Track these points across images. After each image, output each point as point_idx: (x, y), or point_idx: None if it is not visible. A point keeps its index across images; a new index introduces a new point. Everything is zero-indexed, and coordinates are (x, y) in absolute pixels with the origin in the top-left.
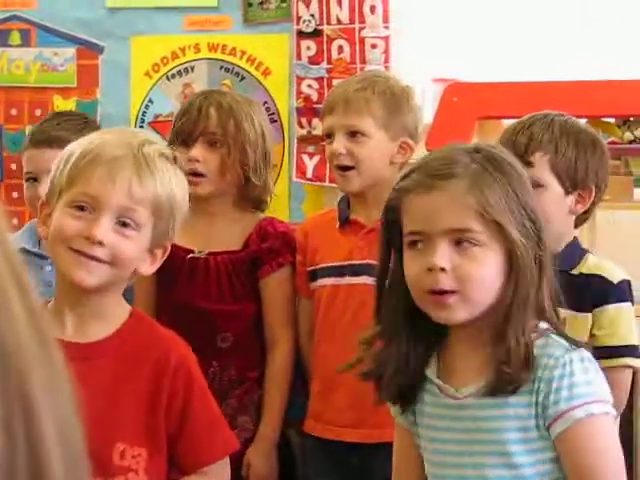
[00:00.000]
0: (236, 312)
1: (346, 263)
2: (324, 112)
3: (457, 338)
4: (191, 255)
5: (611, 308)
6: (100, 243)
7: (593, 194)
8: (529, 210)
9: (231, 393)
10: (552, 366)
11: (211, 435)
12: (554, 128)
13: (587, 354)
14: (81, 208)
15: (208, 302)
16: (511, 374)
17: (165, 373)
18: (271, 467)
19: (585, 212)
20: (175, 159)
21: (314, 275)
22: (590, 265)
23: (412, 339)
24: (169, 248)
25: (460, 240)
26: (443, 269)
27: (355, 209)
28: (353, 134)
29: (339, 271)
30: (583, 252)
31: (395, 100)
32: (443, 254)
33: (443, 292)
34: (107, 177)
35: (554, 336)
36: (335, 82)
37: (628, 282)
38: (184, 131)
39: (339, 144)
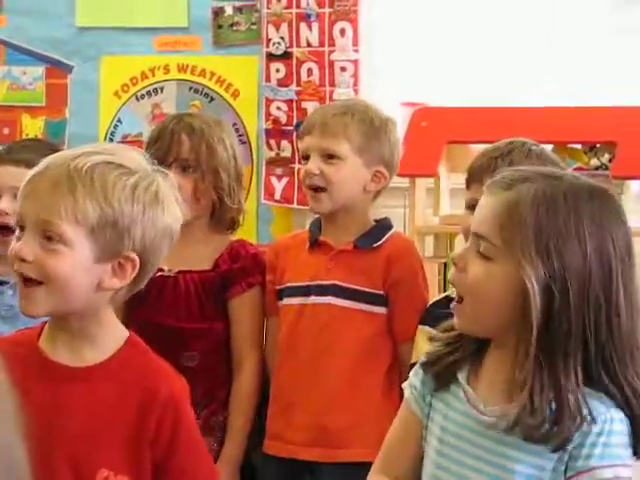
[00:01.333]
0: (203, 331)
1: (313, 283)
2: (302, 133)
3: (491, 351)
4: (160, 273)
5: None
6: (23, 260)
7: None
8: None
9: (197, 414)
10: (591, 420)
11: (196, 470)
12: (532, 157)
13: (624, 416)
14: (21, 229)
15: (175, 320)
16: (532, 427)
17: (153, 406)
18: None
19: None
20: (133, 170)
21: (281, 294)
22: None
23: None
24: (137, 259)
25: (479, 244)
26: (455, 263)
27: (325, 231)
28: (328, 157)
29: (305, 291)
30: None
31: (374, 128)
32: (461, 249)
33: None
34: (27, 193)
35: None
36: (304, 104)
37: None
38: (157, 158)
39: (313, 165)
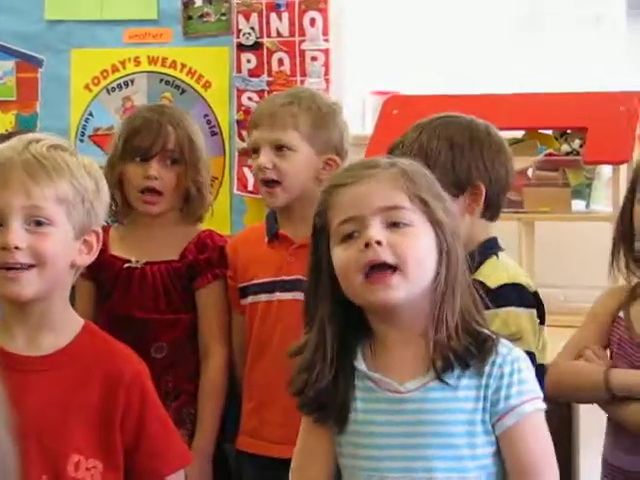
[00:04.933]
0: (171, 322)
1: (277, 279)
2: (250, 127)
3: (390, 328)
4: (127, 265)
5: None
6: (17, 248)
7: (483, 190)
8: (446, 201)
9: (167, 405)
10: (501, 363)
11: (166, 449)
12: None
13: (522, 351)
14: None
15: (143, 311)
16: (458, 351)
17: (118, 388)
18: None
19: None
20: (71, 149)
21: (245, 291)
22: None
23: (334, 336)
24: (101, 233)
25: (393, 222)
26: (379, 242)
27: (282, 224)
28: (279, 148)
29: (269, 287)
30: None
31: (321, 115)
32: (378, 230)
33: (383, 266)
34: (0, 185)
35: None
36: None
37: (512, 286)
38: (141, 147)
39: (265, 158)
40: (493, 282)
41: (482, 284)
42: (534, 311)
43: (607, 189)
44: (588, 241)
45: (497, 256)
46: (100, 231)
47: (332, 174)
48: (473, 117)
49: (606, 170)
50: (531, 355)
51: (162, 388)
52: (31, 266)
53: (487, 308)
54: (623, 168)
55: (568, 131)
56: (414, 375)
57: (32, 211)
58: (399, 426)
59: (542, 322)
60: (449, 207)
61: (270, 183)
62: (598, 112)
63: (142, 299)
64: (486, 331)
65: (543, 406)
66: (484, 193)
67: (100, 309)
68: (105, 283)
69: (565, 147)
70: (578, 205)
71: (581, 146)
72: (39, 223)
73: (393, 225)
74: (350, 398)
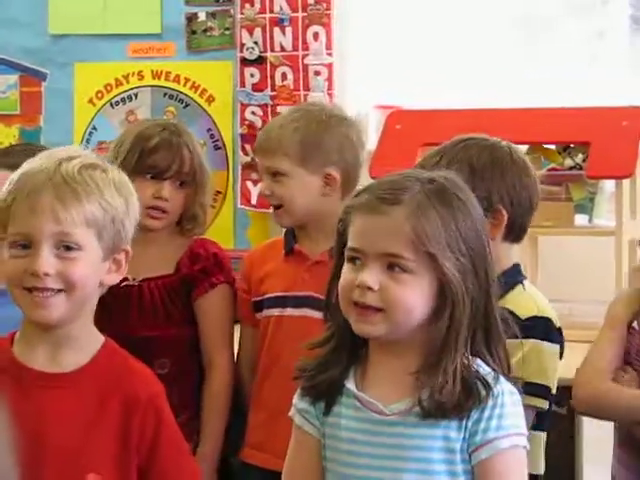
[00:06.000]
0: (172, 337)
1: (289, 294)
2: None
3: (382, 351)
4: (125, 283)
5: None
6: (46, 274)
7: (505, 215)
8: (469, 246)
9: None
10: (485, 395)
11: (179, 471)
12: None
13: (513, 387)
14: (23, 246)
15: (144, 329)
16: (445, 404)
17: (135, 410)
18: None
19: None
20: (103, 165)
21: (260, 305)
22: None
23: (341, 349)
24: (130, 251)
25: (392, 264)
26: (370, 288)
27: (300, 239)
28: (274, 174)
29: (281, 302)
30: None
31: (310, 133)
32: (373, 274)
33: (368, 307)
34: (29, 211)
35: (482, 363)
36: (279, 109)
37: (541, 319)
38: (157, 167)
39: (264, 185)
40: (522, 312)
41: (512, 313)
42: (558, 347)
43: (610, 204)
44: (591, 255)
45: (523, 285)
46: (129, 249)
47: (362, 186)
48: (496, 139)
49: (609, 185)
50: (546, 389)
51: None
52: (60, 290)
53: (515, 336)
54: (626, 183)
55: (571, 146)
56: (400, 397)
57: (62, 237)
58: (380, 448)
59: (560, 358)
60: (470, 251)
61: (275, 207)
62: (601, 127)
63: (142, 317)
64: (488, 377)
65: (523, 443)
66: (506, 218)
67: (100, 329)
68: (103, 303)
69: (568, 162)
70: (581, 219)
71: (584, 160)
72: (68, 248)
73: (391, 268)
74: (336, 411)
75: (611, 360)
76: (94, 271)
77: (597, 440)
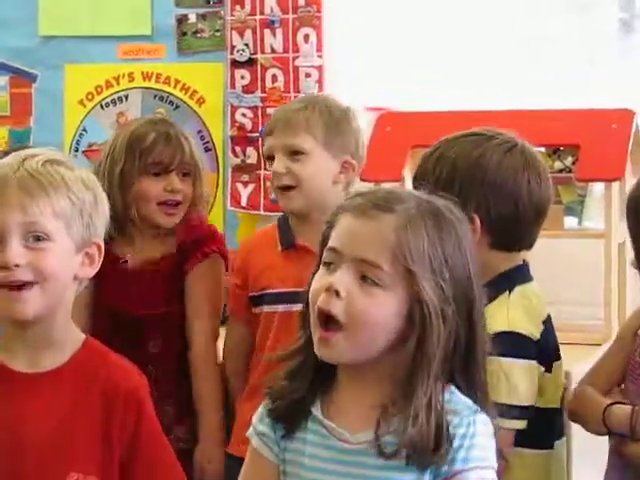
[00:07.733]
0: (163, 315)
1: (299, 290)
2: (265, 135)
3: (349, 377)
4: (123, 261)
5: None
6: (17, 265)
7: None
8: (453, 276)
9: (168, 402)
10: (456, 424)
11: (160, 466)
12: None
13: (487, 418)
14: None
15: (140, 308)
16: (406, 449)
17: (115, 403)
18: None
19: None
20: (67, 162)
21: (259, 300)
22: None
23: (309, 364)
24: (102, 245)
25: (365, 276)
26: (338, 293)
27: (300, 232)
28: (293, 153)
29: (289, 298)
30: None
31: (335, 119)
32: (344, 279)
33: (329, 320)
34: None
35: (456, 391)
36: (269, 111)
37: (509, 335)
38: (162, 162)
39: (280, 164)
40: (492, 326)
41: None
42: (533, 362)
43: (599, 206)
44: (580, 258)
45: (510, 291)
46: (101, 243)
47: (357, 190)
48: (506, 138)
49: (598, 187)
50: (519, 409)
51: (162, 383)
52: (33, 283)
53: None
54: (615, 185)
55: (561, 148)
56: (366, 427)
57: (30, 227)
58: (344, 477)
59: (548, 370)
60: (450, 284)
61: (286, 188)
62: (590, 129)
63: (139, 295)
64: (461, 407)
65: (491, 476)
66: (479, 225)
67: (95, 307)
68: (100, 281)
69: (558, 164)
70: (570, 222)
71: (573, 163)
72: (38, 238)
73: (363, 279)
74: (299, 437)
75: (607, 371)
76: (66, 263)
77: (589, 438)
